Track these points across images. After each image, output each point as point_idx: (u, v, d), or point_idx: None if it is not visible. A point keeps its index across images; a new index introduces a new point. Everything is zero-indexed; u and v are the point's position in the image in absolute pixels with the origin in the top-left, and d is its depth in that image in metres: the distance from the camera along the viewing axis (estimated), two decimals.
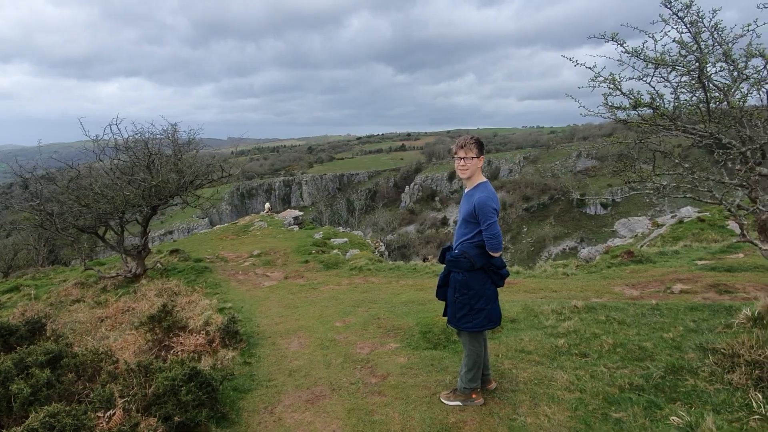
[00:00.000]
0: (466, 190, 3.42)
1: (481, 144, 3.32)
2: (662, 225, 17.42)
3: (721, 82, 3.54)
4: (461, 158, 3.27)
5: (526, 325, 5.50)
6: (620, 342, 4.49)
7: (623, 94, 3.68)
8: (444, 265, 3.60)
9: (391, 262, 13.46)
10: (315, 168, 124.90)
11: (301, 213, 23.59)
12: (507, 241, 75.87)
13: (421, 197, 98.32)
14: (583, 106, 3.93)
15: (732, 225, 14.23)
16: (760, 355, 3.26)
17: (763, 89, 3.49)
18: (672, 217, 18.28)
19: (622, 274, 8.55)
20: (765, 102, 3.57)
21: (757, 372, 3.20)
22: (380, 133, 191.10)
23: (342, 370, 4.79)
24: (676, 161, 4.29)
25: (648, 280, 7.72)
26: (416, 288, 8.79)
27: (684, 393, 3.43)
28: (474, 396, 3.69)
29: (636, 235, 19.84)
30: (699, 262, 8.39)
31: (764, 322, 3.91)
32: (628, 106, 3.66)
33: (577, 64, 3.85)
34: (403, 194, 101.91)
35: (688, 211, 17.20)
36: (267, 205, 24.11)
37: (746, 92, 3.63)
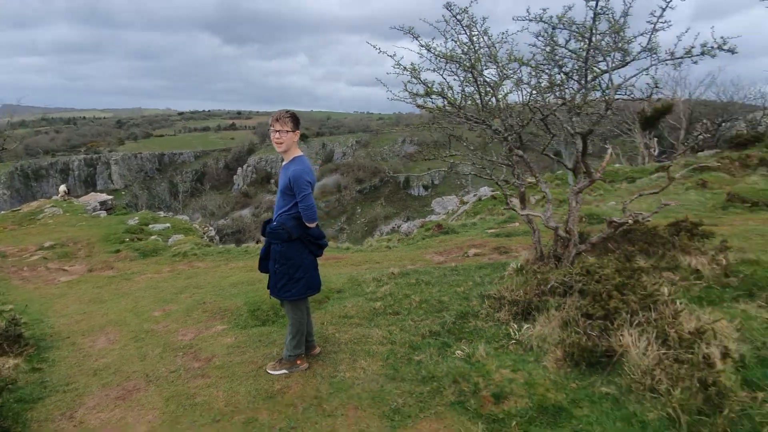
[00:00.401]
0: (283, 164, 3.52)
1: (296, 119, 3.45)
2: (467, 202, 20.48)
3: (491, 79, 4.41)
4: (276, 131, 3.36)
5: (351, 293, 5.95)
6: (425, 299, 5.23)
7: (421, 82, 4.28)
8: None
9: (221, 246, 12.78)
10: (127, 145, 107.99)
11: (111, 197, 20.43)
12: (342, 222, 78.92)
13: (256, 179, 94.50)
14: (391, 91, 4.44)
15: (514, 201, 17.71)
16: (517, 295, 4.22)
17: (521, 88, 4.47)
18: (474, 195, 21.64)
19: (432, 244, 9.84)
20: (522, 98, 4.57)
21: (515, 308, 4.14)
22: (206, 110, 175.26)
23: (161, 360, 4.47)
24: (464, 144, 5.19)
25: (451, 248, 9.07)
26: (247, 269, 8.60)
27: (468, 332, 4.22)
28: (299, 362, 3.89)
29: (448, 212, 22.83)
30: (489, 231, 10.20)
31: (524, 271, 5.04)
32: (422, 93, 4.26)
33: (380, 51, 4.29)
34: (235, 176, 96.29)
35: (485, 191, 20.44)
36: (62, 188, 20.11)
37: (509, 90, 4.59)
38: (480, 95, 4.28)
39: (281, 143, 3.36)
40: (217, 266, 9.34)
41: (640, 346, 2.96)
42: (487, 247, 8.48)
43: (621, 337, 3.09)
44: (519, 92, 4.47)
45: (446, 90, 4.35)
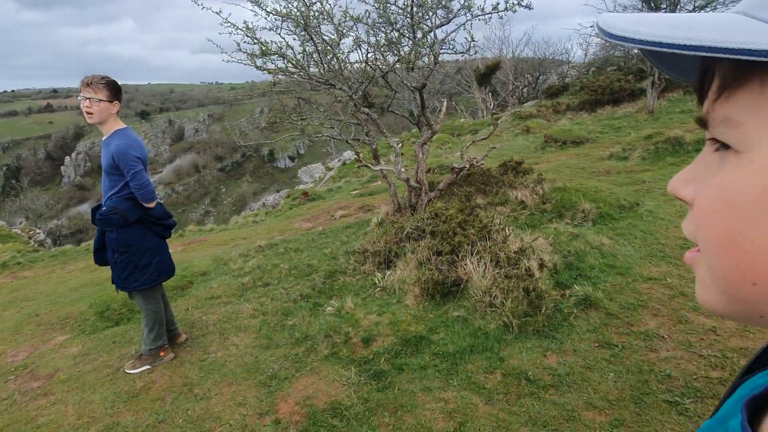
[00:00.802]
0: (103, 139, 3.09)
1: (115, 87, 3.02)
2: (332, 168, 20.64)
3: (330, 38, 4.41)
4: (87, 98, 2.88)
5: (217, 273, 5.65)
6: (294, 265, 5.24)
7: (257, 42, 4.07)
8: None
9: (54, 249, 10.93)
10: None
11: None
12: (207, 204, 73.37)
13: (92, 168, 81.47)
14: (226, 53, 4.14)
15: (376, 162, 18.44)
16: (378, 247, 4.47)
17: (360, 47, 4.56)
18: (338, 160, 21.89)
19: (300, 212, 9.79)
20: (363, 57, 4.69)
21: (377, 259, 4.40)
22: (9, 90, 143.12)
23: None
24: (314, 106, 5.17)
25: (319, 213, 9.14)
26: (90, 269, 7.54)
27: (338, 289, 4.37)
28: (162, 354, 3.62)
29: (315, 179, 22.75)
30: (354, 192, 10.49)
31: (384, 224, 5.34)
32: (258, 53, 4.08)
33: (203, 8, 3.95)
34: (63, 167, 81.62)
35: (349, 155, 20.81)
36: None
37: (350, 48, 4.66)
38: (319, 54, 4.25)
39: (92, 114, 2.90)
40: (51, 272, 8.02)
41: (479, 270, 3.41)
42: (353, 207, 8.74)
43: (465, 266, 3.52)
44: (359, 51, 4.57)
45: (286, 50, 4.22)
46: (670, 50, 0.28)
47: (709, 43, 0.26)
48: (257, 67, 4.26)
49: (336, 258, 5.17)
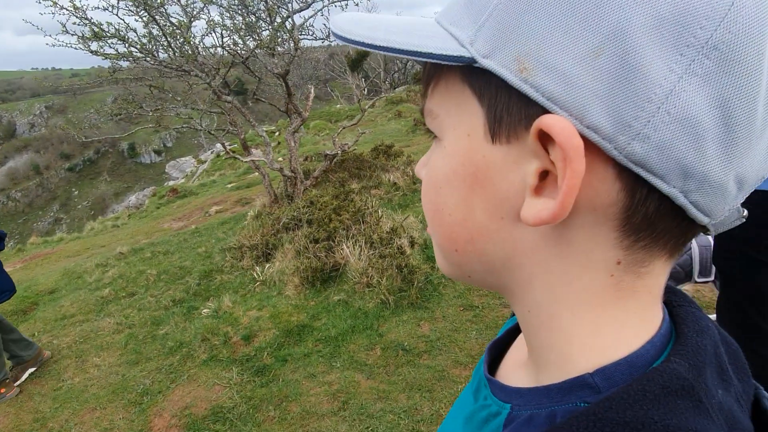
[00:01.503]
0: None
1: None
2: (205, 161, 19.23)
3: (178, 20, 4.06)
4: None
5: (69, 289, 4.96)
6: (164, 270, 4.83)
7: (87, 23, 3.56)
8: None
9: None
10: None
11: None
12: (56, 211, 63.10)
13: None
14: (50, 35, 3.54)
15: (255, 152, 17.64)
16: (255, 240, 4.34)
17: (215, 30, 4.28)
18: (211, 152, 20.46)
19: (169, 211, 8.99)
20: (220, 42, 4.41)
21: (255, 253, 4.27)
22: None
23: None
24: (170, 95, 4.74)
25: (192, 210, 8.50)
26: None
27: (215, 289, 4.15)
28: (3, 390, 3.10)
29: (187, 174, 21.01)
30: (229, 185, 9.95)
31: (260, 217, 5.18)
32: (90, 35, 3.58)
33: None
34: None
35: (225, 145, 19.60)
36: None
37: (204, 32, 4.34)
38: (166, 37, 3.89)
39: None
40: None
41: (356, 253, 3.52)
42: (229, 201, 8.30)
43: (342, 251, 3.60)
44: (214, 35, 4.28)
45: (126, 32, 3.76)
46: (373, 50, 0.30)
47: (398, 45, 0.29)
48: (92, 52, 3.73)
49: (211, 257, 4.89)
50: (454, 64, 0.28)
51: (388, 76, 20.95)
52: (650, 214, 0.27)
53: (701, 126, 0.24)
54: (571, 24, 0.25)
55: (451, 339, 2.83)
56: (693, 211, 0.27)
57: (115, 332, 3.74)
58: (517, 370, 0.39)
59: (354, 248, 3.55)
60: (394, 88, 19.16)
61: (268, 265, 4.01)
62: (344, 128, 5.68)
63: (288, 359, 2.92)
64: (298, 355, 2.93)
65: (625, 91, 0.24)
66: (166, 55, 4.05)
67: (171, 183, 18.77)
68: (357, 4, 3.87)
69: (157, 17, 3.66)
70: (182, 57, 3.90)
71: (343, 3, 3.86)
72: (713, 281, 2.11)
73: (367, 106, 5.32)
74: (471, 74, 0.29)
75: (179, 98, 4.76)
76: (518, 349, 0.42)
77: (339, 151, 4.88)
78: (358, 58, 16.86)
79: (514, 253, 0.31)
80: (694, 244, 2.09)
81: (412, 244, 3.61)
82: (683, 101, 0.24)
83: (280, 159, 10.79)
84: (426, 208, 0.35)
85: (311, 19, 4.01)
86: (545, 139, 0.26)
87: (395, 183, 5.23)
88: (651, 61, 0.23)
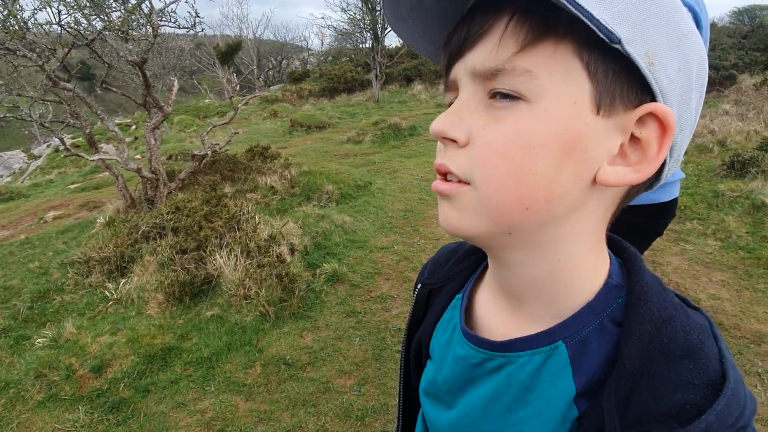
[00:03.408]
0: None
1: None
2: (39, 156, 16.20)
3: None
4: None
5: None
6: None
7: None
8: None
9: None
10: None
11: None
12: None
13: None
14: None
15: (106, 148, 15.31)
16: (107, 252, 3.75)
17: (51, 6, 3.57)
18: (48, 146, 17.29)
19: None
20: (57, 19, 3.69)
21: (107, 267, 3.69)
22: None
23: None
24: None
25: (21, 216, 7.05)
26: None
27: (53, 312, 3.48)
28: None
29: (14, 172, 17.52)
30: (72, 186, 8.52)
31: (113, 224, 4.51)
32: None
33: None
34: None
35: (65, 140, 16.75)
36: None
37: (37, 7, 3.60)
38: None
39: None
40: None
41: (230, 264, 3.26)
42: (72, 205, 7.08)
43: (215, 261, 3.31)
44: (50, 10, 3.56)
45: None
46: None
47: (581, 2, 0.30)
48: None
49: (48, 273, 4.09)
50: (603, 37, 0.30)
51: (262, 73, 20.10)
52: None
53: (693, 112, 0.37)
54: (673, 47, 0.33)
55: (335, 348, 2.78)
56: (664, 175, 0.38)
57: None
58: (502, 323, 0.45)
59: (228, 258, 3.29)
60: (269, 86, 18.43)
61: (123, 281, 3.49)
62: (215, 126, 5.24)
63: (151, 389, 2.56)
64: (163, 383, 2.59)
65: (685, 102, 0.35)
66: None
67: None
68: None
69: None
70: (5, 32, 3.14)
71: None
72: None
73: (240, 104, 4.98)
74: (589, 51, 0.32)
75: (1, 81, 3.86)
76: (485, 307, 0.48)
77: (209, 152, 4.48)
78: (229, 51, 15.83)
79: (574, 210, 0.36)
80: None
81: (292, 251, 3.48)
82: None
83: (138, 157, 9.59)
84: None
85: (173, 5, 3.59)
86: (642, 119, 0.34)
87: (273, 186, 5.00)
88: (693, 85, 0.36)
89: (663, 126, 0.34)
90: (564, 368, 0.39)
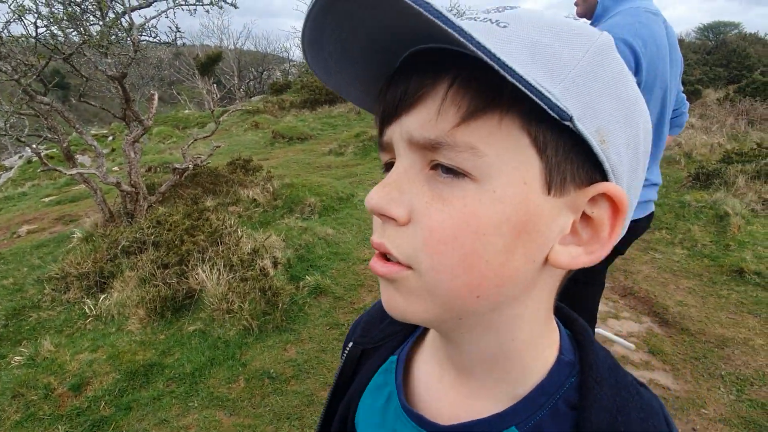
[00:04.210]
0: None
1: None
2: (10, 168, 15.72)
3: None
4: None
5: None
6: None
7: None
8: None
9: None
10: None
11: None
12: None
13: None
14: None
15: (82, 159, 14.97)
16: (86, 268, 3.70)
17: (24, 17, 3.54)
18: (20, 157, 16.81)
19: None
20: (33, 32, 3.66)
21: (86, 283, 3.64)
22: None
23: None
24: None
25: None
26: None
27: (28, 330, 3.40)
28: None
29: None
30: (46, 199, 8.31)
31: (91, 238, 4.44)
32: None
33: None
34: None
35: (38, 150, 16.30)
36: None
37: (10, 18, 3.57)
38: None
39: None
40: None
41: (213, 278, 3.26)
42: (47, 219, 6.92)
43: (197, 276, 3.30)
44: (24, 22, 3.53)
45: None
46: (502, 70, 0.27)
47: (525, 76, 0.27)
48: None
49: (23, 290, 4.00)
50: (551, 113, 0.28)
51: (243, 84, 20.03)
52: None
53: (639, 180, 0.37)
54: (621, 120, 0.32)
55: (319, 360, 2.81)
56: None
57: None
58: (446, 395, 0.42)
59: (211, 272, 3.29)
60: (250, 97, 18.40)
61: (103, 297, 3.45)
62: (196, 139, 5.24)
63: (133, 406, 2.54)
64: (145, 400, 2.58)
65: (634, 174, 0.35)
66: None
67: None
68: (207, 11, 3.62)
69: None
70: None
71: (191, 7, 3.56)
72: None
73: (221, 117, 4.99)
74: (537, 125, 0.30)
75: None
76: (428, 378, 0.45)
77: (190, 165, 4.48)
78: (209, 61, 15.75)
79: (525, 290, 0.34)
80: None
81: (275, 264, 3.50)
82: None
83: (116, 169, 9.44)
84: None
85: (154, 20, 3.61)
86: (594, 198, 0.32)
87: (255, 199, 5.01)
88: (641, 157, 0.35)
89: (615, 206, 0.32)
90: None
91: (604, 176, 0.32)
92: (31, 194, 9.29)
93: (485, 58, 0.26)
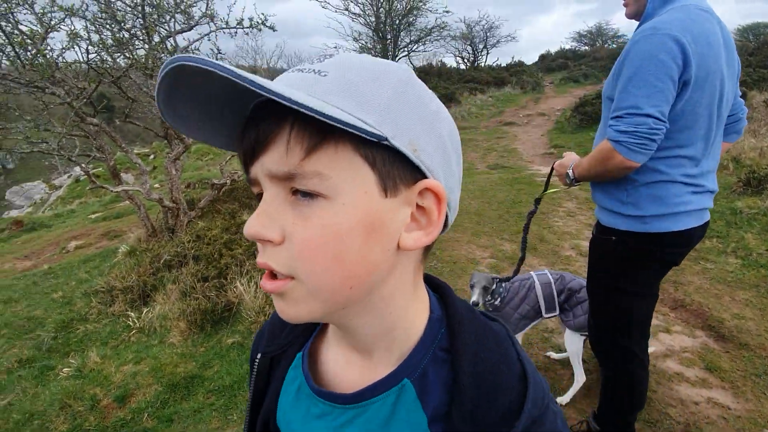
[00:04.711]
0: None
1: None
2: (60, 187, 16.66)
3: (31, 29, 3.49)
4: None
5: None
6: (6, 323, 4.00)
7: None
8: None
9: None
10: None
11: None
12: None
13: None
14: None
15: (125, 177, 15.69)
16: (130, 281, 3.82)
17: (78, 44, 3.76)
18: (69, 176, 17.79)
19: (12, 248, 7.54)
20: (84, 58, 3.88)
21: (130, 296, 3.76)
22: None
23: None
24: (17, 113, 4.00)
25: (43, 246, 7.24)
26: None
27: (76, 342, 3.54)
28: None
29: (35, 202, 18.02)
30: (93, 216, 8.73)
31: (135, 253, 4.60)
32: None
33: None
34: None
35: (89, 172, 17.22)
36: None
37: (65, 45, 3.79)
38: (14, 47, 3.29)
39: None
40: None
41: (251, 291, 3.30)
42: (93, 235, 7.26)
43: (235, 289, 3.35)
44: (77, 49, 3.76)
45: None
46: (309, 113, 0.33)
47: (337, 115, 0.34)
48: None
49: (71, 303, 4.18)
50: (370, 138, 0.36)
51: None
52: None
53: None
54: (427, 131, 0.41)
55: None
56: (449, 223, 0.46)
57: None
58: (354, 374, 0.48)
59: (249, 285, 3.33)
60: None
61: (146, 310, 3.55)
62: (233, 156, 5.38)
63: (174, 418, 2.58)
64: (186, 412, 2.61)
65: (448, 169, 0.43)
66: (12, 66, 3.41)
67: (14, 213, 15.83)
68: (247, 33, 3.74)
69: (2, 23, 3.06)
70: (34, 71, 3.32)
71: (231, 30, 3.69)
72: (558, 315, 2.37)
73: None
74: (365, 146, 0.38)
75: (29, 117, 4.04)
76: (335, 363, 0.51)
77: (228, 180, 4.59)
78: None
79: (390, 273, 0.42)
80: (537, 284, 2.30)
81: None
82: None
83: (157, 186, 9.81)
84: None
85: (197, 43, 3.76)
86: (422, 192, 0.41)
87: None
88: (451, 154, 0.44)
89: (437, 196, 0.41)
90: (414, 402, 0.44)
91: (424, 175, 0.41)
92: (78, 211, 9.78)
93: (303, 110, 0.33)
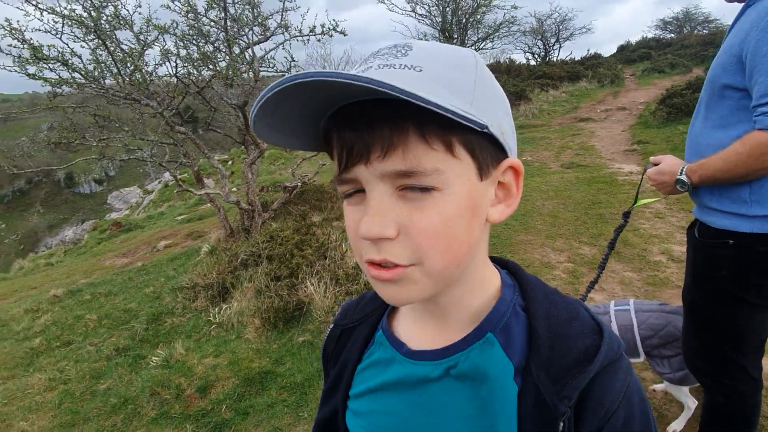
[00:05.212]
0: None
1: None
2: (152, 191, 18.34)
3: (130, 47, 3.85)
4: None
5: None
6: (107, 314, 4.42)
7: (26, 44, 3.26)
8: None
9: None
10: None
11: None
12: None
13: None
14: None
15: (207, 182, 17.03)
16: (210, 279, 4.06)
17: (169, 59, 4.10)
18: (159, 182, 19.56)
19: (112, 246, 8.38)
20: (174, 71, 4.22)
21: (210, 293, 3.99)
22: None
23: None
24: (117, 125, 4.44)
25: (138, 245, 7.96)
26: None
27: (164, 334, 3.82)
28: None
29: (131, 206, 19.94)
30: (179, 217, 9.47)
31: (215, 252, 4.90)
32: (30, 58, 3.29)
33: None
34: None
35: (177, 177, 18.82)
36: None
37: (158, 61, 4.15)
38: (116, 64, 3.65)
39: None
40: None
41: (320, 291, 3.36)
42: (179, 235, 7.86)
43: (306, 288, 3.43)
44: (168, 64, 4.09)
45: (69, 57, 3.49)
46: (429, 106, 0.35)
47: (453, 108, 0.36)
48: (29, 76, 3.42)
49: (160, 297, 4.53)
50: (477, 128, 0.40)
51: None
52: None
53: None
54: (506, 113, 0.46)
55: None
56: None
57: (47, 389, 3.32)
58: (432, 338, 0.52)
59: (318, 286, 3.39)
60: None
61: (225, 306, 3.75)
62: (303, 160, 5.56)
63: (249, 411, 2.67)
64: (260, 407, 2.69)
65: (515, 143, 0.48)
66: (113, 81, 3.80)
67: (114, 215, 17.70)
68: (319, 40, 3.85)
69: (107, 42, 3.42)
70: (132, 85, 3.67)
71: (304, 38, 3.82)
72: (647, 360, 1.92)
73: None
74: (466, 136, 0.41)
75: (126, 128, 4.46)
76: (411, 333, 0.54)
77: (299, 183, 4.74)
78: None
79: (478, 245, 0.47)
80: (614, 324, 1.91)
81: None
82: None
83: (234, 190, 10.44)
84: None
85: (272, 52, 3.94)
86: (504, 171, 0.46)
87: None
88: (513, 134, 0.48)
89: (516, 171, 0.47)
90: (499, 353, 0.48)
91: (504, 154, 0.46)
92: (167, 214, 10.67)
93: (435, 109, 0.35)
